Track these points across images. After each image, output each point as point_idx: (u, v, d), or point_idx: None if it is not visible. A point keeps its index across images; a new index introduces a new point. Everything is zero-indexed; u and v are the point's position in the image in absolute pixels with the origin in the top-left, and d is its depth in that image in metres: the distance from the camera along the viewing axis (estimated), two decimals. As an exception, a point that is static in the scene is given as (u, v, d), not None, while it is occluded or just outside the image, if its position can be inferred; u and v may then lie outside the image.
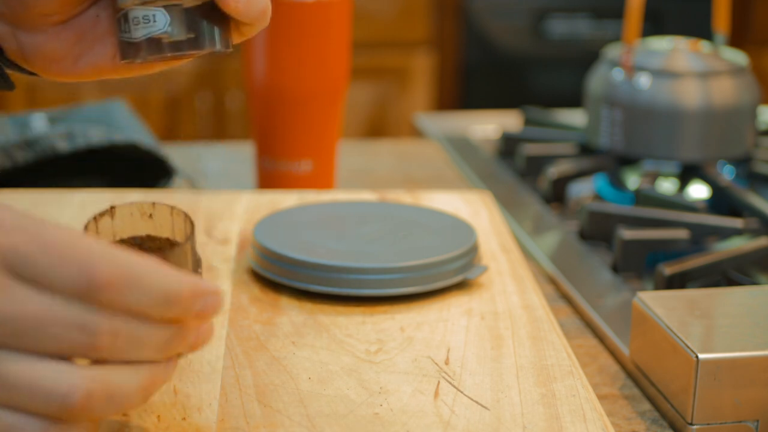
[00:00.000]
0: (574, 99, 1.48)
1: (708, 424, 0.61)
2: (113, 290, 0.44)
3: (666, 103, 1.00)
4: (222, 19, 0.55)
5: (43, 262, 0.44)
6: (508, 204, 0.99)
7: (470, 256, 0.73)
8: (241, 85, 2.20)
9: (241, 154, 1.15)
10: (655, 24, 2.35)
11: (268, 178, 0.96)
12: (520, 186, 1.05)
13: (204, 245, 0.78)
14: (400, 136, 2.30)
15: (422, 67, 2.38)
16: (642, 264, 0.84)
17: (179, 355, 0.50)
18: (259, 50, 0.93)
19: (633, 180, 1.03)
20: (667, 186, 1.02)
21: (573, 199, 1.00)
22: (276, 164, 0.95)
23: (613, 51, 1.07)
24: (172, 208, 0.53)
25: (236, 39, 0.57)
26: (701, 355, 0.60)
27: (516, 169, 1.10)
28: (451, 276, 0.71)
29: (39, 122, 0.97)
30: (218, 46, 0.55)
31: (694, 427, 0.61)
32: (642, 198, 0.94)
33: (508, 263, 0.77)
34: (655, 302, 0.66)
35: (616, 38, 2.16)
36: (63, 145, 0.92)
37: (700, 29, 1.65)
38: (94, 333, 0.44)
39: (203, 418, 0.55)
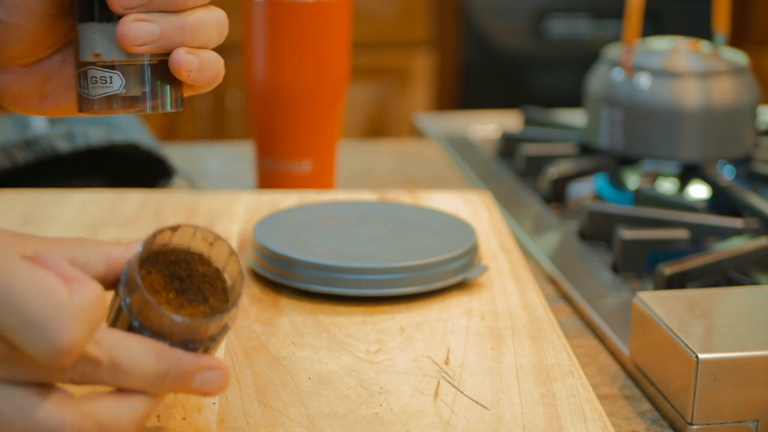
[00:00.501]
0: (574, 99, 1.48)
1: (708, 424, 0.61)
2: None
3: (666, 103, 1.00)
4: (175, 79, 0.57)
5: (8, 320, 0.44)
6: (508, 204, 0.99)
7: (470, 256, 0.73)
8: (241, 85, 2.19)
9: (241, 154, 1.15)
10: (655, 24, 2.35)
11: (268, 178, 0.96)
12: (520, 186, 1.05)
13: (204, 245, 0.78)
14: (400, 136, 2.30)
15: (422, 67, 2.38)
16: (642, 264, 0.84)
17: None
18: (259, 50, 0.93)
19: (633, 180, 1.03)
20: (667, 186, 1.02)
21: (573, 199, 1.00)
22: (276, 164, 0.95)
23: (613, 51, 1.07)
24: (231, 251, 0.53)
25: (189, 93, 0.59)
26: (701, 355, 0.60)
27: (516, 169, 1.10)
28: (451, 276, 0.71)
29: (39, 122, 0.97)
30: (169, 107, 0.58)
31: (694, 427, 0.61)
32: (642, 198, 0.94)
33: (508, 263, 0.77)
34: (655, 302, 0.66)
35: (616, 38, 2.16)
36: (63, 145, 0.92)
37: (700, 29, 1.65)
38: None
39: (203, 418, 0.55)
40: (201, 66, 0.56)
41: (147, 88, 0.57)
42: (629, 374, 0.69)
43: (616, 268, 0.84)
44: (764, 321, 0.65)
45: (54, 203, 0.85)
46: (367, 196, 0.89)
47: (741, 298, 0.70)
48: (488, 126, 1.27)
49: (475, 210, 0.87)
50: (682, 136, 1.01)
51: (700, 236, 0.88)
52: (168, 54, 0.56)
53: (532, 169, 1.07)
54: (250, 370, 0.60)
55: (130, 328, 0.49)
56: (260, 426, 0.55)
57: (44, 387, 0.46)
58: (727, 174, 1.02)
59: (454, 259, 0.71)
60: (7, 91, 0.60)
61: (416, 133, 1.32)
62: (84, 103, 0.58)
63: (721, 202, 0.97)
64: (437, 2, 2.37)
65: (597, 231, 0.90)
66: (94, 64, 0.57)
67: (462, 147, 1.19)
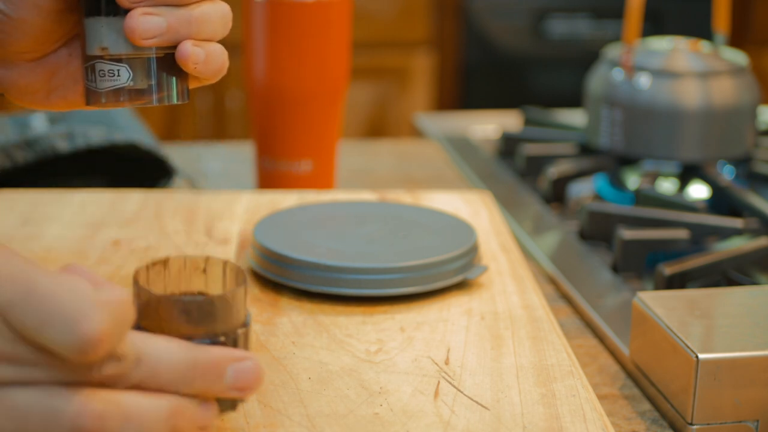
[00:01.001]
0: (574, 99, 1.48)
1: (708, 424, 0.61)
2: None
3: (666, 103, 1.00)
4: (181, 71, 0.59)
5: (32, 317, 0.43)
6: (508, 204, 0.99)
7: (470, 256, 0.73)
8: (241, 85, 2.19)
9: (241, 154, 1.15)
10: (655, 24, 2.35)
11: (268, 178, 0.96)
12: (520, 186, 1.05)
13: (204, 245, 0.78)
14: (400, 136, 2.30)
15: (422, 67, 2.38)
16: (642, 264, 0.84)
17: (233, 401, 0.50)
18: (259, 50, 0.93)
19: (633, 180, 1.03)
20: (667, 186, 1.02)
21: (573, 199, 1.00)
22: (276, 164, 0.95)
23: (613, 51, 1.07)
24: (225, 263, 0.53)
25: (194, 85, 0.60)
26: (701, 355, 0.60)
27: (516, 169, 1.10)
28: (451, 276, 0.71)
29: (39, 122, 0.97)
30: (175, 99, 0.59)
31: (694, 427, 0.61)
32: (642, 198, 0.94)
33: (508, 263, 0.77)
34: (655, 302, 0.66)
35: (616, 38, 2.16)
36: (63, 145, 0.92)
37: (700, 29, 1.65)
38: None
39: (203, 418, 0.55)
40: (207, 58, 0.58)
41: (153, 81, 0.58)
42: (629, 374, 0.69)
43: (616, 268, 0.84)
44: (764, 321, 0.65)
45: (54, 203, 0.85)
46: (367, 196, 0.89)
47: (741, 298, 0.70)
48: (488, 126, 1.27)
49: (475, 210, 0.87)
50: (682, 136, 1.01)
51: (700, 236, 0.88)
52: (173, 47, 0.57)
53: (532, 169, 1.07)
54: (250, 370, 0.60)
55: None
56: (260, 426, 0.55)
57: (70, 386, 0.44)
58: (727, 174, 1.02)
59: (454, 259, 0.71)
60: (14, 86, 0.61)
61: (416, 133, 1.32)
62: (91, 96, 0.59)
63: (721, 202, 0.97)
64: (437, 2, 2.37)
65: (597, 231, 0.90)
66: (101, 57, 0.58)
67: (462, 147, 1.19)
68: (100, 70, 0.58)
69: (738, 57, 1.05)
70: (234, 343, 0.50)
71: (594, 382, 0.68)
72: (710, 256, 0.80)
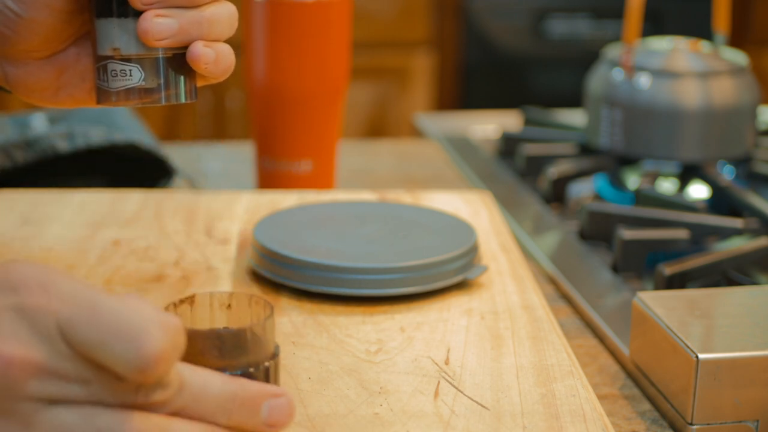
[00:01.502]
0: (574, 99, 1.48)
1: (708, 424, 0.61)
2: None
3: (666, 103, 1.00)
4: (190, 71, 0.60)
5: (96, 333, 0.43)
6: (508, 204, 0.99)
7: (470, 256, 0.73)
8: (241, 85, 2.19)
9: (241, 154, 1.15)
10: (655, 24, 2.35)
11: (268, 178, 0.96)
12: (520, 186, 1.05)
13: (204, 245, 0.78)
14: (400, 136, 2.30)
15: (422, 67, 2.38)
16: (642, 264, 0.84)
17: None
18: (259, 50, 0.93)
19: (633, 180, 1.03)
20: (667, 186, 1.02)
21: (573, 199, 1.00)
22: (276, 164, 0.95)
23: (613, 51, 1.07)
24: (251, 297, 0.53)
25: (201, 83, 0.62)
26: (701, 355, 0.60)
27: (516, 169, 1.10)
28: (451, 276, 0.71)
29: (39, 122, 0.97)
30: (184, 98, 0.61)
31: (694, 427, 0.61)
32: (642, 198, 0.94)
33: (508, 263, 0.77)
34: (655, 302, 0.66)
35: (616, 38, 2.16)
36: (63, 145, 0.92)
37: (700, 29, 1.65)
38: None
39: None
40: (217, 58, 0.59)
41: (163, 80, 0.60)
42: (629, 374, 0.69)
43: (616, 268, 0.84)
44: (764, 321, 0.65)
45: (54, 203, 0.85)
46: (367, 196, 0.89)
47: (741, 298, 0.70)
48: (488, 126, 1.27)
49: (475, 210, 0.87)
50: (682, 136, 1.01)
51: (700, 236, 0.88)
52: (183, 47, 0.59)
53: (532, 169, 1.07)
54: (250, 370, 0.60)
55: None
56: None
57: (115, 407, 0.44)
58: (727, 174, 1.02)
59: (454, 259, 0.71)
60: (23, 84, 0.62)
61: (416, 133, 1.32)
62: (102, 95, 0.60)
63: (721, 202, 0.97)
64: (437, 2, 2.37)
65: (597, 231, 0.90)
66: (113, 57, 0.59)
67: (462, 147, 1.19)
68: (112, 70, 0.59)
69: (738, 57, 1.05)
70: (265, 375, 0.50)
71: (594, 382, 0.68)
72: (710, 256, 0.80)
